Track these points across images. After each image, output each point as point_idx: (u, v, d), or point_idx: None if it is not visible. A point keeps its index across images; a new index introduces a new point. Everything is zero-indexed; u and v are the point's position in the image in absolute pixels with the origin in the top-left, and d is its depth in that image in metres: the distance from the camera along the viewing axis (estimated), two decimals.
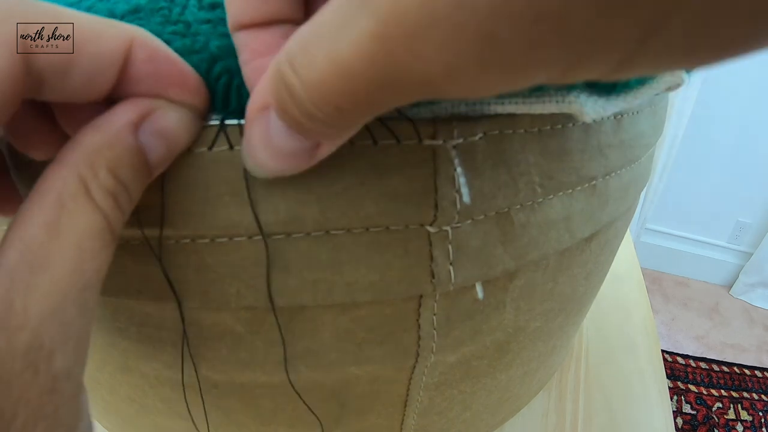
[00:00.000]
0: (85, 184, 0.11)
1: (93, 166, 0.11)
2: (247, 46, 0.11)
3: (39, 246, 0.10)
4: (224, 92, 0.12)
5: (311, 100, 0.09)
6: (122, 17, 0.13)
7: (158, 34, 0.13)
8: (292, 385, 0.17)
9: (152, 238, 0.14)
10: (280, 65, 0.09)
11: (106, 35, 0.11)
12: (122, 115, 0.11)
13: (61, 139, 0.12)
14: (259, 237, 0.13)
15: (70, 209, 0.10)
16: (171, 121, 0.12)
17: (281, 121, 0.10)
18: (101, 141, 0.11)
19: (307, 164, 0.12)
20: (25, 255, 0.10)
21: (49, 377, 0.10)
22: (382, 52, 0.07)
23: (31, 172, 0.13)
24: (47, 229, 0.10)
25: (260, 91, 0.11)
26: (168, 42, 0.13)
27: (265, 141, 0.11)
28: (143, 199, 0.12)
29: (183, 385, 0.18)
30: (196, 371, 0.17)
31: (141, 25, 0.13)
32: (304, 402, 0.18)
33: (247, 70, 0.12)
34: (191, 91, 0.12)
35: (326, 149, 0.11)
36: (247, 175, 0.13)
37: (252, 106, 0.11)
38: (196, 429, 0.20)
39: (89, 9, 0.14)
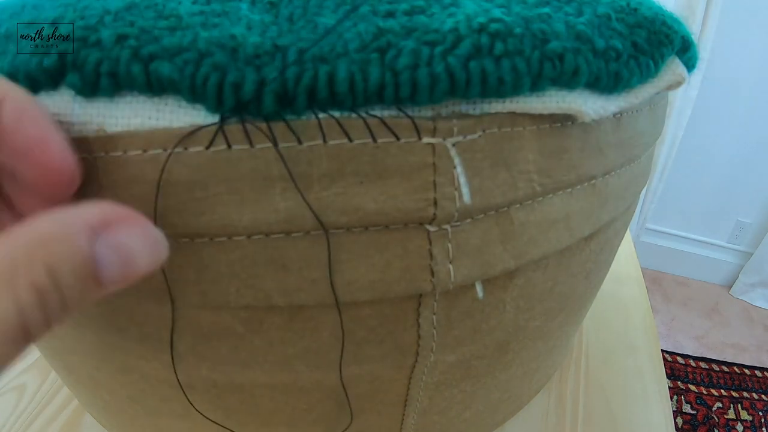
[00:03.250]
0: (13, 270, 0.09)
1: (32, 255, 0.10)
2: None
3: None
4: (216, 91, 0.12)
5: None
6: (116, 13, 0.13)
7: (150, 30, 0.13)
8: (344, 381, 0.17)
9: None
10: None
11: None
12: (84, 215, 0.10)
13: None
14: (259, 236, 0.13)
15: None
16: (135, 241, 0.11)
17: None
18: (52, 234, 0.10)
19: None
20: None
21: None
22: None
23: None
24: None
25: None
26: (158, 39, 0.13)
27: None
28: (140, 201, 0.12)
29: (180, 384, 0.18)
30: (175, 370, 0.17)
31: (133, 21, 0.13)
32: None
33: None
34: (51, 156, 0.11)
35: None
36: (288, 168, 0.13)
37: None
38: (196, 429, 0.20)
39: (85, 7, 0.14)
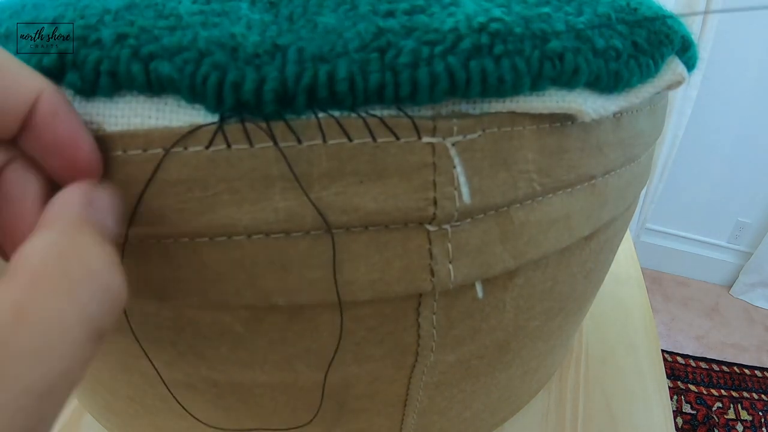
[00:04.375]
0: (65, 265, 0.10)
1: (73, 244, 0.10)
2: None
3: (3, 327, 0.09)
4: (216, 90, 0.12)
5: None
6: (116, 12, 0.13)
7: (149, 29, 0.13)
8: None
9: (151, 236, 0.14)
10: None
11: (20, 77, 0.11)
12: (75, 196, 0.11)
13: None
14: (258, 236, 0.13)
15: (46, 293, 0.09)
16: (109, 197, 0.12)
17: None
18: (70, 219, 0.11)
19: None
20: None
21: None
22: None
23: None
24: (14, 311, 0.09)
25: None
26: (157, 38, 0.13)
27: None
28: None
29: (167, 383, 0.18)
30: (155, 367, 0.17)
31: (133, 20, 0.13)
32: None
33: None
34: (82, 154, 0.12)
35: None
36: (291, 167, 0.13)
37: None
38: (196, 429, 0.20)
39: (85, 7, 0.14)
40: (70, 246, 0.10)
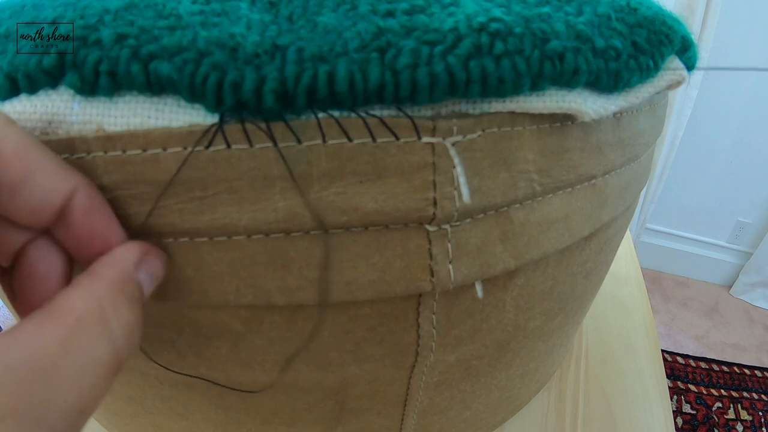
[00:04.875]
0: (104, 314, 0.11)
1: (114, 298, 0.12)
2: None
3: (50, 358, 0.10)
4: (216, 91, 0.12)
5: None
6: (116, 12, 0.13)
7: (149, 29, 0.13)
8: None
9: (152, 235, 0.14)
10: None
11: (55, 175, 0.12)
12: (130, 255, 0.13)
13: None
14: (258, 236, 0.13)
15: (88, 334, 0.11)
16: (159, 265, 0.13)
17: None
18: (118, 276, 0.12)
19: None
20: (32, 362, 0.10)
21: None
22: None
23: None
24: (60, 346, 0.10)
25: None
26: (157, 38, 0.13)
27: None
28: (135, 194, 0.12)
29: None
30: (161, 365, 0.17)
31: (133, 20, 0.13)
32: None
33: None
34: (110, 249, 0.13)
35: None
36: (289, 167, 0.13)
37: None
38: (196, 429, 0.20)
39: (85, 7, 0.14)
40: (111, 302, 0.11)
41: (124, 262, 0.12)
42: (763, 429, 1.10)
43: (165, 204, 0.13)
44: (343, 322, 0.16)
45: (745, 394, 1.18)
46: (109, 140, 0.13)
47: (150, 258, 0.13)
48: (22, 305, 0.13)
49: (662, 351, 1.10)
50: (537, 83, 0.14)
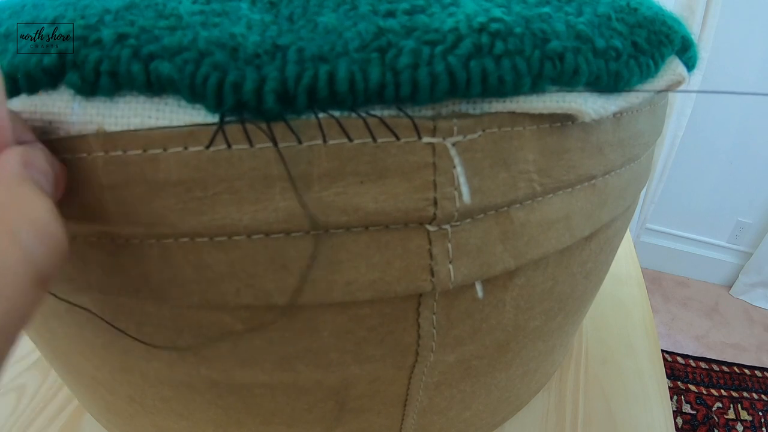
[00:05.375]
0: (6, 214, 0.10)
1: (13, 196, 0.11)
2: None
3: None
4: (216, 91, 0.12)
5: None
6: (116, 12, 0.13)
7: (150, 29, 0.13)
8: None
9: (151, 236, 0.14)
10: None
11: None
12: (15, 155, 0.11)
13: None
14: (258, 236, 0.13)
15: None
16: (43, 159, 0.12)
17: None
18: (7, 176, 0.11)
19: None
20: None
21: None
22: None
23: None
24: None
25: None
26: (158, 38, 0.13)
27: None
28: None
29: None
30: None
31: (133, 20, 0.13)
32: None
33: None
34: None
35: None
36: (287, 168, 0.13)
37: None
38: (196, 429, 0.20)
39: (86, 6, 0.14)
40: (10, 197, 0.10)
41: (10, 162, 0.11)
42: (763, 429, 1.10)
43: (165, 204, 0.13)
44: (344, 322, 0.16)
45: (745, 394, 1.18)
46: (109, 140, 0.13)
47: (35, 155, 0.12)
48: None
49: (662, 351, 1.10)
50: (537, 83, 0.14)
